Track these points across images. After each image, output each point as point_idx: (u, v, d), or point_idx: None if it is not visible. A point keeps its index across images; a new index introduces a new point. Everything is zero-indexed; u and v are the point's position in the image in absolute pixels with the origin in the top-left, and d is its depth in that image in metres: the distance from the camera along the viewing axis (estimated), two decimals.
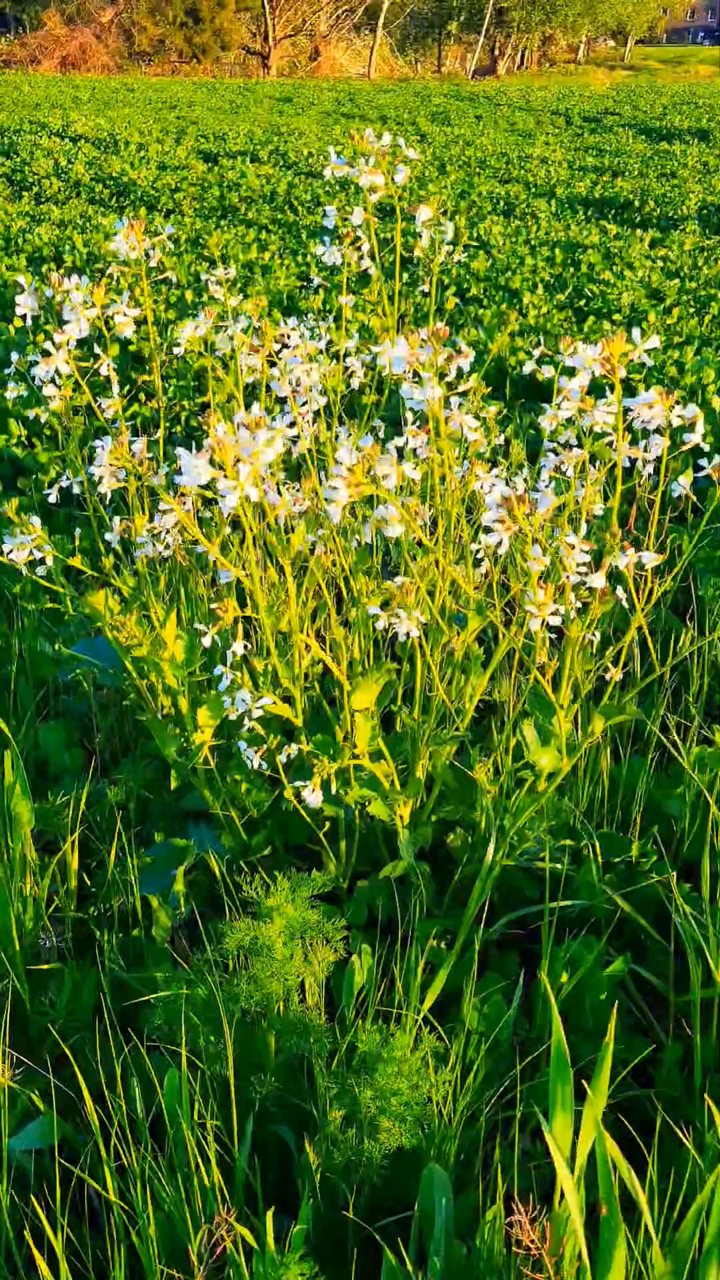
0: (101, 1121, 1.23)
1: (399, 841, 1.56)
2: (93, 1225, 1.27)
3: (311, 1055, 1.25)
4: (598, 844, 1.65)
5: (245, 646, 1.33)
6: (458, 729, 1.51)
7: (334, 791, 1.52)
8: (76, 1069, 1.21)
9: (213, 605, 1.32)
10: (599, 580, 1.28)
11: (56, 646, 2.06)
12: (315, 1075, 1.23)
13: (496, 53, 35.83)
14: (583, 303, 5.31)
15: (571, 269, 6.01)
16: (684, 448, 1.29)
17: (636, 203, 8.20)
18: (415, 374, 1.24)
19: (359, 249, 1.55)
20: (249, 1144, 1.19)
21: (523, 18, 34.03)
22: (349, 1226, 1.20)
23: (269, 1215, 1.03)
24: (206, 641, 1.30)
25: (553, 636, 1.57)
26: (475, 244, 6.57)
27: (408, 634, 1.33)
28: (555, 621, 1.25)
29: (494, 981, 1.51)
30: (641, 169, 10.12)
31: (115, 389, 1.56)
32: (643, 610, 1.33)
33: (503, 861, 1.63)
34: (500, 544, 1.20)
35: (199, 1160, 1.13)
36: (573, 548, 1.24)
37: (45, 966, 1.46)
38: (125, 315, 1.49)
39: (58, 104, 15.59)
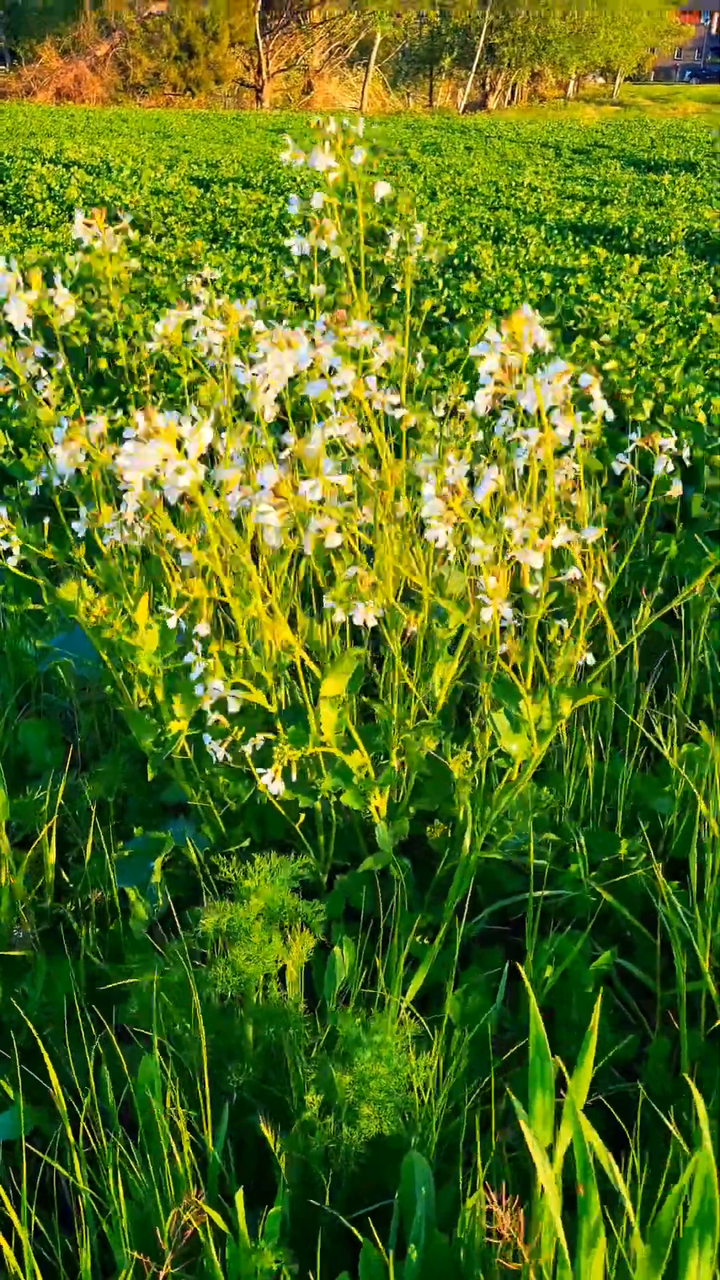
0: (72, 1108, 1.19)
1: (377, 834, 1.54)
2: (62, 1221, 1.24)
3: (290, 1044, 1.22)
4: (583, 839, 1.62)
5: (207, 630, 1.31)
6: (429, 719, 1.48)
7: (302, 779, 1.50)
8: (47, 1059, 1.18)
9: (177, 586, 1.30)
10: (536, 559, 1.26)
11: (36, 642, 2.04)
12: (293, 1063, 1.20)
13: (487, 88, 36.26)
14: (571, 323, 5.34)
15: (560, 291, 6.04)
16: (594, 418, 1.28)
17: (625, 229, 8.28)
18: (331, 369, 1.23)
19: (325, 236, 1.54)
20: (224, 1131, 1.16)
21: (513, 54, 34.47)
22: (326, 1217, 1.17)
23: (239, 1196, 1.00)
24: (172, 623, 1.28)
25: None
26: (465, 267, 6.61)
27: (365, 623, 1.31)
28: (507, 613, 1.24)
29: (477, 975, 1.48)
30: (630, 197, 10.22)
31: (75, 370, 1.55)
32: (593, 586, 1.33)
33: (485, 855, 1.61)
34: (438, 539, 1.19)
35: (171, 1147, 1.10)
36: (513, 531, 1.23)
37: (17, 954, 1.43)
38: (63, 296, 1.50)
39: (51, 133, 15.70)
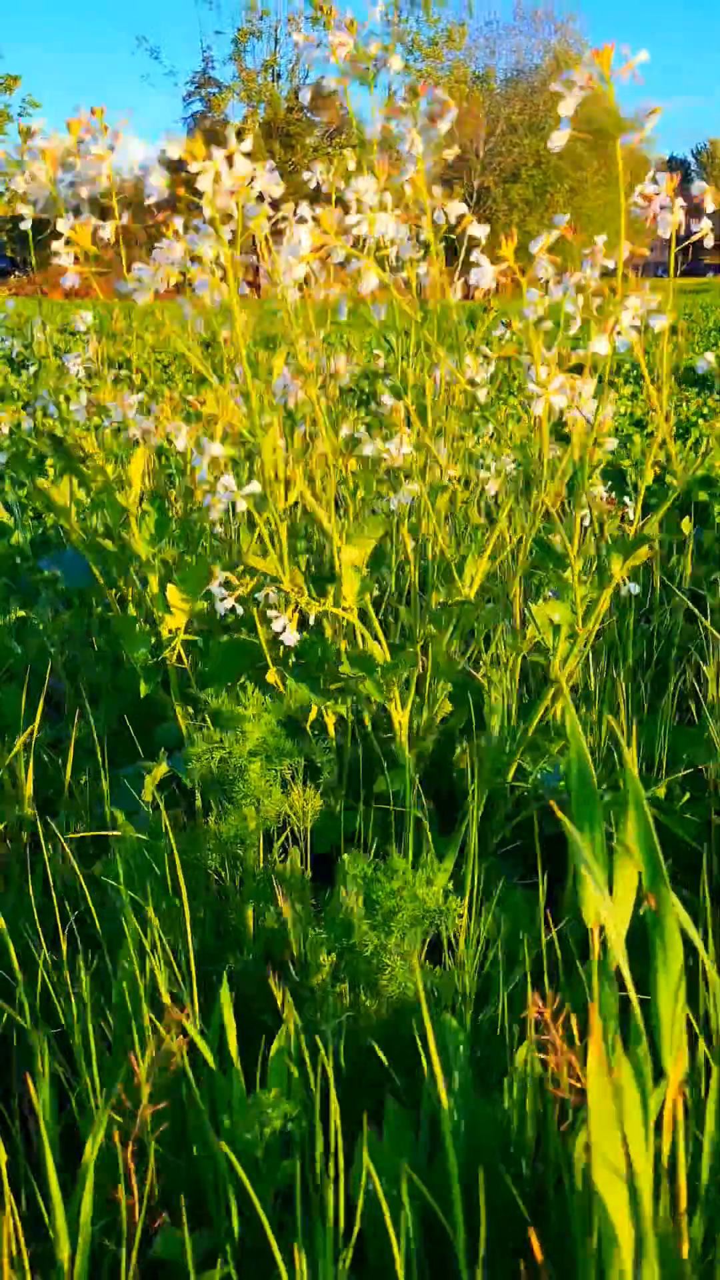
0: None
1: (395, 747, 1.38)
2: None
3: (293, 915, 1.04)
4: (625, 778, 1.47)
5: (223, 451, 1.20)
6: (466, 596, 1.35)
7: (319, 685, 1.35)
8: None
9: (189, 398, 1.20)
10: (602, 345, 1.19)
11: (15, 612, 1.91)
12: (294, 937, 1.02)
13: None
14: (567, 429, 5.39)
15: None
16: (695, 236, 1.24)
17: (614, 366, 8.52)
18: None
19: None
20: (219, 1004, 0.96)
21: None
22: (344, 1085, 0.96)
23: (230, 1031, 0.81)
24: (180, 444, 1.17)
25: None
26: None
27: (400, 450, 1.20)
28: (561, 403, 1.15)
29: (513, 891, 1.30)
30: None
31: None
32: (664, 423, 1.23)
33: (519, 785, 1.45)
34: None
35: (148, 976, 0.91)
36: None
37: None
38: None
39: (61, 308, 16.48)
